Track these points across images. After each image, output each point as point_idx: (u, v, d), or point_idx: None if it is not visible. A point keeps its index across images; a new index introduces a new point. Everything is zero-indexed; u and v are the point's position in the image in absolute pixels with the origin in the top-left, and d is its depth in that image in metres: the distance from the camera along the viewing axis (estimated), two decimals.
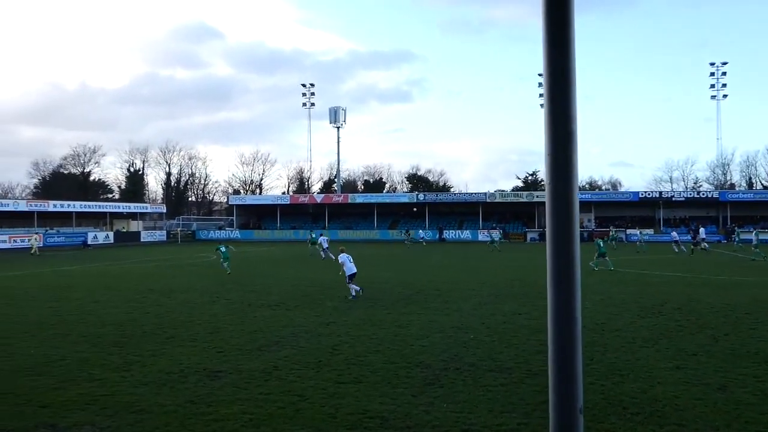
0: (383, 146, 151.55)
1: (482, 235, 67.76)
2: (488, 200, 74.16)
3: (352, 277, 20.38)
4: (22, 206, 63.92)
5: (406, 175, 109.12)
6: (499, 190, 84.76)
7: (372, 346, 12.75)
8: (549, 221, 1.85)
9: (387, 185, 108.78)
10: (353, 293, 20.11)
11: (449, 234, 71.70)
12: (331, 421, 8.16)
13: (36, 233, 55.11)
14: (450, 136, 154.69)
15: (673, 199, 71.50)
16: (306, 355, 11.90)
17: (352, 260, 20.76)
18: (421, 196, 77.89)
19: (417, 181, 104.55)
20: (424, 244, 61.54)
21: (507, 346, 12.65)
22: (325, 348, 12.56)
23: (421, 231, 66.31)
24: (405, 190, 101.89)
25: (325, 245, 40.19)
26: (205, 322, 15.85)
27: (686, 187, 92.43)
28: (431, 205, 76.43)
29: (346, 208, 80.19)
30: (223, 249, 30.39)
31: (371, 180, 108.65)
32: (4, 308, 18.68)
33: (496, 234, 56.16)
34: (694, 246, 45.81)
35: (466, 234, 71.54)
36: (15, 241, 57.32)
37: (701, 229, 53.92)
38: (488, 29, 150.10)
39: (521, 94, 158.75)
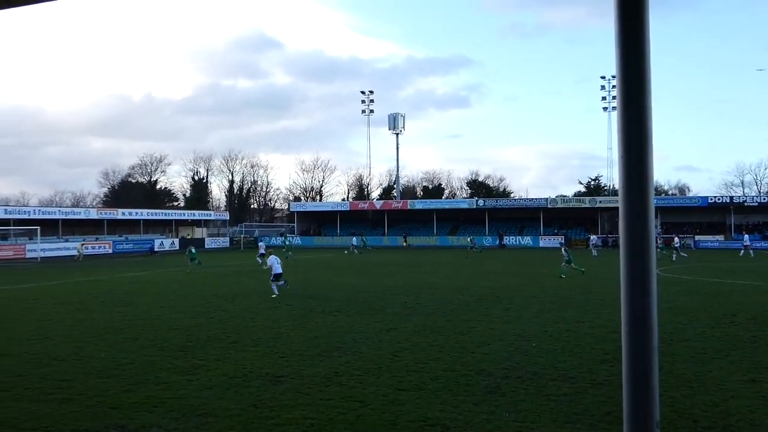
0: (442, 152, 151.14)
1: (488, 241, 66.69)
2: (549, 206, 72.95)
3: (277, 276, 23.35)
4: (93, 214, 66.51)
5: (466, 181, 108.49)
6: (560, 196, 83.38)
7: (432, 353, 12.68)
8: (623, 227, 1.79)
9: (446, 191, 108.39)
10: (276, 291, 22.76)
11: (509, 240, 70.87)
12: (391, 427, 8.15)
13: (82, 241, 56.91)
14: (509, 141, 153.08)
15: (746, 204, 68.78)
16: (367, 362, 11.92)
17: (279, 262, 23.94)
18: (480, 202, 77.20)
19: (477, 187, 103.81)
20: (356, 253, 58.00)
21: (570, 354, 12.40)
22: (385, 354, 12.57)
23: (354, 238, 64.84)
24: (465, 195, 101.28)
25: (262, 251, 42.28)
26: (268, 327, 16.08)
27: (759, 192, 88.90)
28: (491, 210, 75.64)
29: (405, 214, 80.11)
30: (194, 251, 41.56)
31: (430, 186, 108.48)
32: (76, 313, 19.37)
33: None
34: (666, 249, 45.72)
35: (526, 240, 70.59)
36: (86, 248, 59.48)
37: (746, 236, 53.95)
38: (545, 32, 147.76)
39: (581, 97, 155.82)
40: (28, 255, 54.02)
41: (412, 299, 21.57)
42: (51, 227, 58.76)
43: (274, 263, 23.60)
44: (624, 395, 1.81)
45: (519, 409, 8.83)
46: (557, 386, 9.99)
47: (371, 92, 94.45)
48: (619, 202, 1.81)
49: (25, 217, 57.23)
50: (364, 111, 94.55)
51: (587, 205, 72.54)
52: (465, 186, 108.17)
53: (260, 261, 39.91)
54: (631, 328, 1.78)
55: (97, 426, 8.29)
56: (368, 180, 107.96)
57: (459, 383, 10.24)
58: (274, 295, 22.23)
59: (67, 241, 59.84)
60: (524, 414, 8.59)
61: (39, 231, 53.92)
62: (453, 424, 8.22)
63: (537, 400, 9.21)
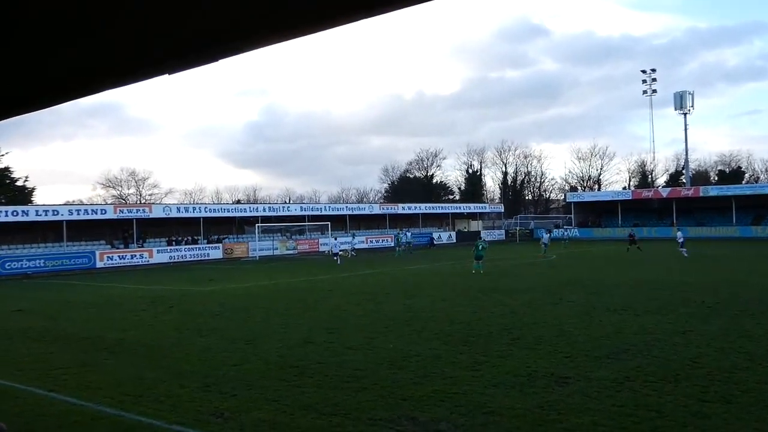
0: (737, 131, 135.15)
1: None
2: None
3: (335, 253, 40.62)
4: (376, 209, 71.43)
5: None
6: None
7: (740, 361, 11.20)
8: None
9: (747, 175, 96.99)
10: (339, 262, 38.80)
11: None
12: None
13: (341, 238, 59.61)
14: None
15: None
16: (661, 367, 10.91)
17: (337, 247, 41.01)
18: None
19: None
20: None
21: None
22: (682, 360, 11.39)
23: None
24: None
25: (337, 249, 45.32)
26: (549, 324, 15.60)
27: None
28: None
29: (696, 202, 72.98)
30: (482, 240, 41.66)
31: (727, 170, 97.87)
32: (365, 304, 20.73)
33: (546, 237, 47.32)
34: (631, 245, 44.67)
35: None
36: (371, 241, 64.03)
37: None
38: None
39: None
40: (321, 248, 59.55)
41: (710, 298, 19.44)
42: (339, 222, 64.12)
43: (335, 246, 41.07)
44: None
45: None
46: None
47: (653, 71, 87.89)
48: None
49: (318, 213, 63.34)
50: (645, 92, 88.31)
51: None
52: None
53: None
54: None
55: (390, 415, 8.63)
56: (652, 166, 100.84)
57: None
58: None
59: (354, 236, 64.85)
60: None
61: (329, 226, 59.16)
62: None
63: None
